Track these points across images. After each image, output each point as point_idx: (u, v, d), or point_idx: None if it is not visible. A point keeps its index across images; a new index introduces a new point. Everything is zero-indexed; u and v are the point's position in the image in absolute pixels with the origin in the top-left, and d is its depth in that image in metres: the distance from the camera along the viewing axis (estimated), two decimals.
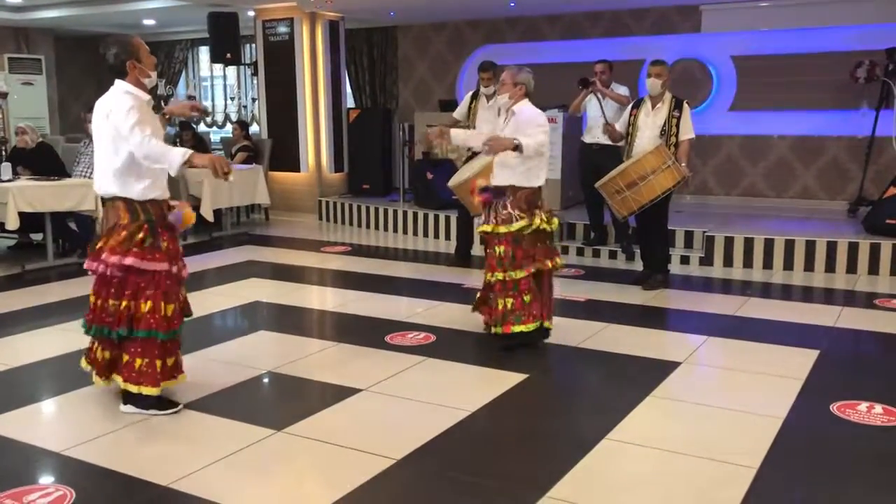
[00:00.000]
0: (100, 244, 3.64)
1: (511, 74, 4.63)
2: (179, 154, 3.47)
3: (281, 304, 5.88)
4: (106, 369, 3.72)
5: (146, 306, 3.57)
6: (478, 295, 4.86)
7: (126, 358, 3.61)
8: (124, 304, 3.57)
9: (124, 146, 3.48)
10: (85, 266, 3.72)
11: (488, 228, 4.58)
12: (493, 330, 4.67)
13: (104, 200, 3.68)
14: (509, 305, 4.49)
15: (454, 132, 4.83)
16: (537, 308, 4.52)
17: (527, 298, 4.50)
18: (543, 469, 3.14)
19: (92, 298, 3.72)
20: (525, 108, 4.63)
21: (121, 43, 3.59)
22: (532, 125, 4.53)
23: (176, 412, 3.65)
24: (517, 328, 4.50)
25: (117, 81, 3.61)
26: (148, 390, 3.59)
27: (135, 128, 3.43)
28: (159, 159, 3.49)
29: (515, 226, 4.49)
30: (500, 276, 4.50)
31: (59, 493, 2.89)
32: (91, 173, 7.56)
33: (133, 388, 3.60)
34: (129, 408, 3.65)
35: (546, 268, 4.63)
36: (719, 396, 3.90)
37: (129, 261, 3.54)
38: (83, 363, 3.83)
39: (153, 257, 3.59)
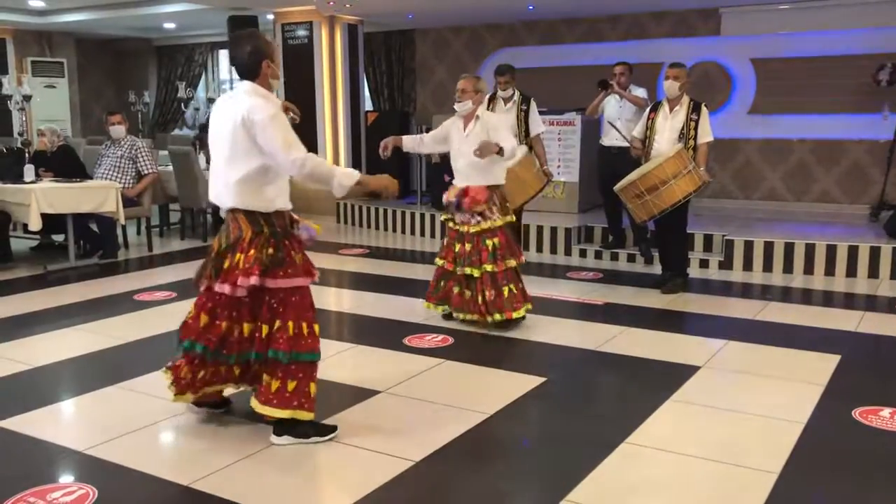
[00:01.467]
0: (227, 264, 3.26)
1: (472, 83, 4.98)
2: (349, 176, 3.24)
3: None
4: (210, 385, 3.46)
5: (297, 327, 3.26)
6: (437, 287, 5.22)
7: (276, 383, 3.25)
8: (278, 324, 3.24)
9: (259, 158, 3.17)
10: (217, 289, 3.28)
11: (486, 225, 4.96)
12: (489, 319, 4.96)
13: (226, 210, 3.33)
14: (506, 293, 4.94)
15: (405, 139, 5.28)
16: (521, 294, 5.07)
17: (520, 285, 5.06)
18: (562, 472, 3.13)
19: (205, 318, 3.34)
20: (486, 113, 5.14)
21: (255, 40, 3.25)
22: (503, 129, 5.00)
23: (334, 437, 3.38)
24: (517, 314, 5.00)
25: (246, 83, 3.25)
26: (303, 415, 3.29)
27: (291, 147, 3.14)
28: (324, 180, 3.24)
29: (505, 220, 5.01)
30: (488, 267, 4.91)
31: (81, 492, 2.92)
32: (112, 175, 7.66)
33: (286, 414, 3.26)
34: (286, 439, 3.31)
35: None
36: (739, 401, 3.87)
37: (271, 283, 3.22)
38: (168, 380, 3.47)
39: (293, 273, 3.28)
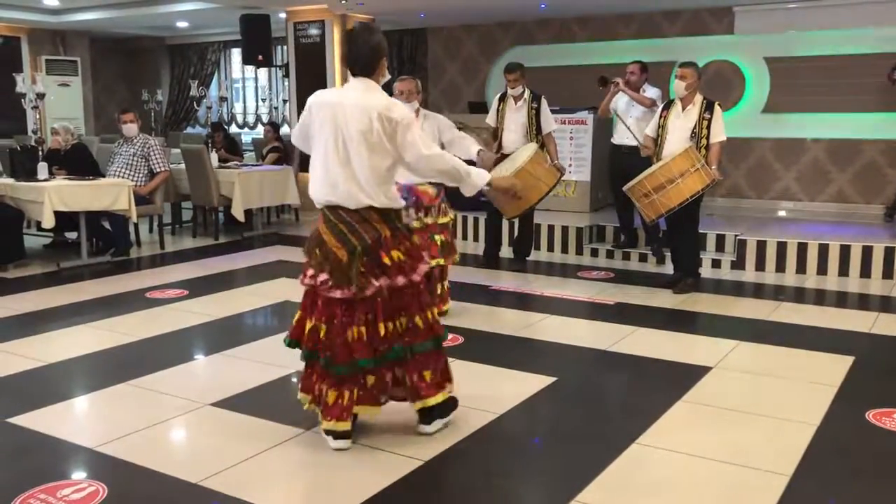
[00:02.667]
0: (387, 261, 3.16)
1: (414, 84, 4.98)
2: (482, 177, 3.31)
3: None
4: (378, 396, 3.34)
5: (433, 313, 3.32)
6: None
7: (428, 373, 3.29)
8: (417, 318, 3.24)
9: (392, 155, 3.16)
10: (369, 293, 3.13)
11: (445, 220, 5.08)
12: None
13: (348, 211, 3.19)
14: (444, 288, 5.17)
15: None
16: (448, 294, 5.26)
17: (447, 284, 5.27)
18: (572, 473, 3.12)
19: (363, 330, 3.16)
20: (430, 112, 5.13)
21: (378, 36, 3.19)
22: (453, 126, 5.06)
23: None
24: (445, 307, 5.18)
25: (364, 79, 3.18)
26: (443, 396, 3.35)
27: (432, 145, 3.25)
28: (458, 178, 3.27)
29: (449, 218, 5.17)
30: (441, 261, 5.01)
31: (91, 489, 2.93)
32: (125, 173, 7.70)
33: (437, 399, 3.33)
34: (437, 423, 3.37)
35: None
36: (751, 402, 3.84)
37: (416, 277, 3.22)
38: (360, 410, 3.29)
39: (423, 260, 3.30)
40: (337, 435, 3.24)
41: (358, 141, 3.11)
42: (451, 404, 3.45)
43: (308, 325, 3.25)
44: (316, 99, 3.26)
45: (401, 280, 3.17)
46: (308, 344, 3.26)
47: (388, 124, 3.11)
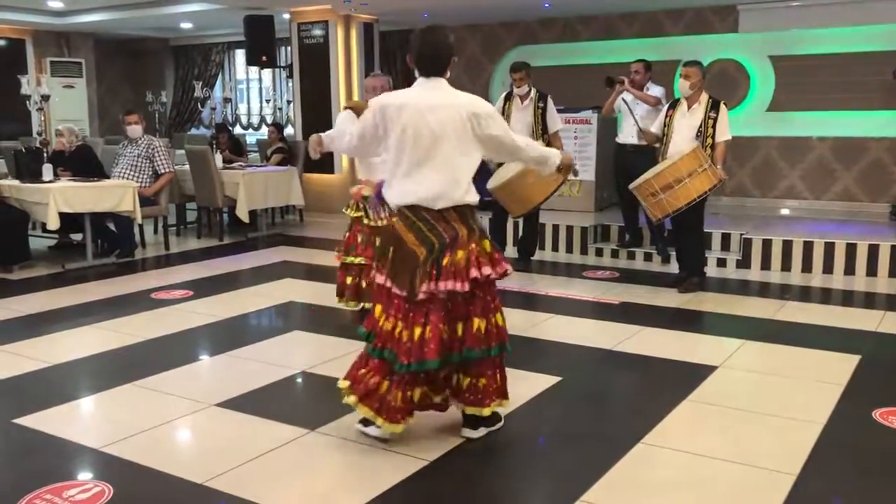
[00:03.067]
0: (445, 261, 3.13)
1: (386, 80, 5.13)
2: (557, 156, 3.52)
3: (315, 304, 5.91)
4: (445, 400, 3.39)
5: (498, 319, 3.29)
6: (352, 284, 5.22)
7: (484, 380, 3.26)
8: (494, 319, 3.26)
9: (480, 152, 3.21)
10: (457, 288, 3.11)
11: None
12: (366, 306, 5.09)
13: (429, 210, 3.16)
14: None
15: (326, 136, 4.76)
16: None
17: None
18: (577, 472, 3.11)
19: (442, 329, 3.14)
20: None
21: (449, 35, 3.21)
22: None
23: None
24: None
25: (439, 79, 3.20)
26: (504, 404, 3.37)
27: (516, 138, 3.35)
28: (543, 160, 3.50)
29: None
30: None
31: (97, 489, 2.93)
32: (130, 174, 7.71)
33: (489, 410, 3.31)
34: (483, 430, 3.36)
35: None
36: (757, 401, 3.83)
37: (494, 274, 3.23)
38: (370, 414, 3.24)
39: (487, 265, 3.24)
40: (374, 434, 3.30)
41: (446, 140, 3.12)
42: (498, 417, 3.44)
43: (382, 322, 3.22)
44: (389, 101, 3.23)
45: (449, 284, 3.11)
46: (379, 340, 3.21)
47: (476, 120, 3.14)
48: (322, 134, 4.34)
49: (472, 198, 3.21)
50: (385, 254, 3.25)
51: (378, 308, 3.28)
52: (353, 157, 3.38)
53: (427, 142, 3.12)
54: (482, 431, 3.36)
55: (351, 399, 3.26)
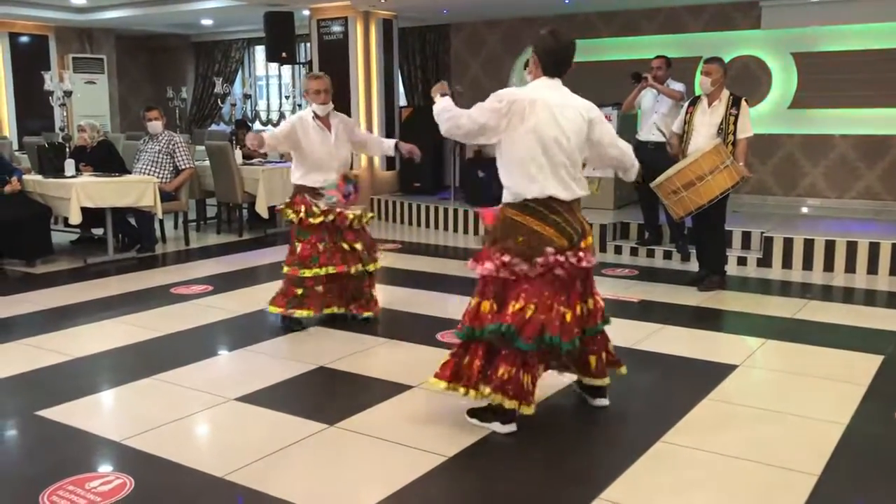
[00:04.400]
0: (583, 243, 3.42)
1: (328, 81, 4.99)
2: (636, 166, 3.71)
3: None
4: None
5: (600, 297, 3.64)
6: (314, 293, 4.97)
7: (595, 358, 3.60)
8: (594, 300, 3.58)
9: (585, 152, 3.48)
10: (592, 264, 3.48)
11: (364, 218, 5.13)
12: (367, 314, 5.13)
13: (561, 203, 3.35)
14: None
15: (270, 136, 4.94)
16: None
17: None
18: (596, 470, 3.10)
19: (567, 311, 3.34)
20: (336, 112, 5.14)
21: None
22: (357, 124, 5.28)
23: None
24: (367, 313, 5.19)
25: (559, 79, 3.41)
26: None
27: (619, 142, 3.62)
28: (632, 166, 3.69)
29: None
30: (379, 265, 5.24)
31: (118, 482, 2.96)
32: (150, 170, 7.76)
33: (608, 380, 3.66)
34: (605, 399, 3.68)
35: None
36: (778, 401, 3.80)
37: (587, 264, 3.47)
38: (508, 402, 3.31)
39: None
40: (507, 420, 3.36)
41: (574, 137, 3.35)
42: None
43: (514, 307, 3.27)
44: (520, 96, 3.33)
45: (592, 260, 3.47)
46: (526, 330, 3.24)
47: (591, 125, 3.42)
48: (265, 134, 4.78)
49: (586, 191, 3.48)
50: (507, 243, 3.33)
51: (486, 303, 3.35)
52: (458, 139, 3.47)
53: (561, 139, 3.30)
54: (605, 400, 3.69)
55: (485, 391, 3.33)
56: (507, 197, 3.42)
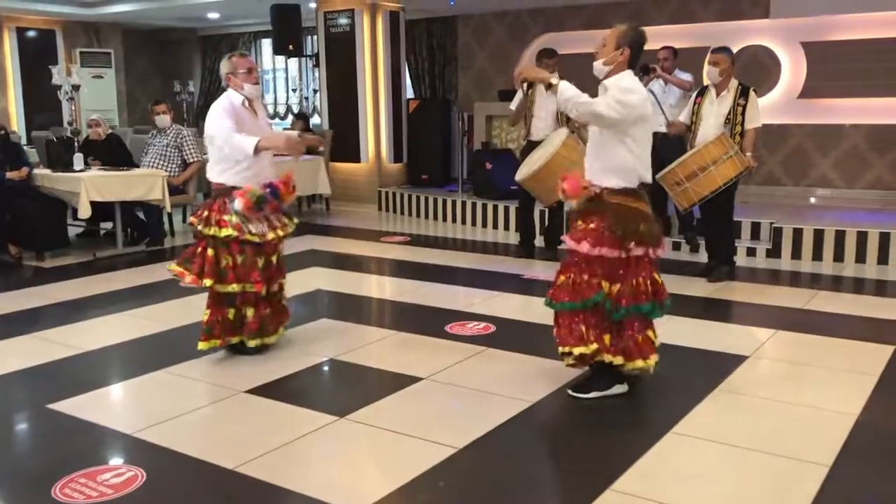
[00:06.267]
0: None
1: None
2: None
3: (342, 292, 5.93)
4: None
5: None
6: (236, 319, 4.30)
7: (640, 335, 3.72)
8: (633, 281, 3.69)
9: None
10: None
11: (290, 229, 4.37)
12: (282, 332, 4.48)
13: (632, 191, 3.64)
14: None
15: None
16: None
17: None
18: (607, 461, 3.10)
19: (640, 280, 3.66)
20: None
21: None
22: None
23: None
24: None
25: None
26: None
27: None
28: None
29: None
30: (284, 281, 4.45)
31: (130, 474, 2.97)
32: (158, 164, 7.77)
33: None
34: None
35: None
36: (788, 391, 3.79)
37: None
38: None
39: None
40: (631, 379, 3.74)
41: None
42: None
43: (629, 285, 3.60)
44: (643, 90, 3.66)
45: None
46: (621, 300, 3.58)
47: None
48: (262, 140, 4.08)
49: None
50: (636, 229, 3.56)
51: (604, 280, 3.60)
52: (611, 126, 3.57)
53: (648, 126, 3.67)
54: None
55: (618, 359, 3.64)
56: (622, 182, 3.59)
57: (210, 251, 4.11)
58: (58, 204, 7.11)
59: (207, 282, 4.10)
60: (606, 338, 3.62)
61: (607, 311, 3.59)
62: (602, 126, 3.56)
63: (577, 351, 3.58)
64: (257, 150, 4.06)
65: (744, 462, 3.06)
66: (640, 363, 3.64)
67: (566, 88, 3.54)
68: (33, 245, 6.99)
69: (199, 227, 4.14)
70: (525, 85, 6.72)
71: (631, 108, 3.50)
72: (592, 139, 3.70)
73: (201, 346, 4.17)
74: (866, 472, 3.00)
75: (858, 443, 3.20)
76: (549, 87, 3.58)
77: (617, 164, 3.58)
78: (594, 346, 3.58)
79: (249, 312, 4.22)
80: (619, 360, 3.64)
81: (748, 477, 2.95)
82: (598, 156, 3.64)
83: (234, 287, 4.11)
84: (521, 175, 6.05)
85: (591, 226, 3.58)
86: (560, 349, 3.65)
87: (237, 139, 4.10)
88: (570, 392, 3.72)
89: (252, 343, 4.26)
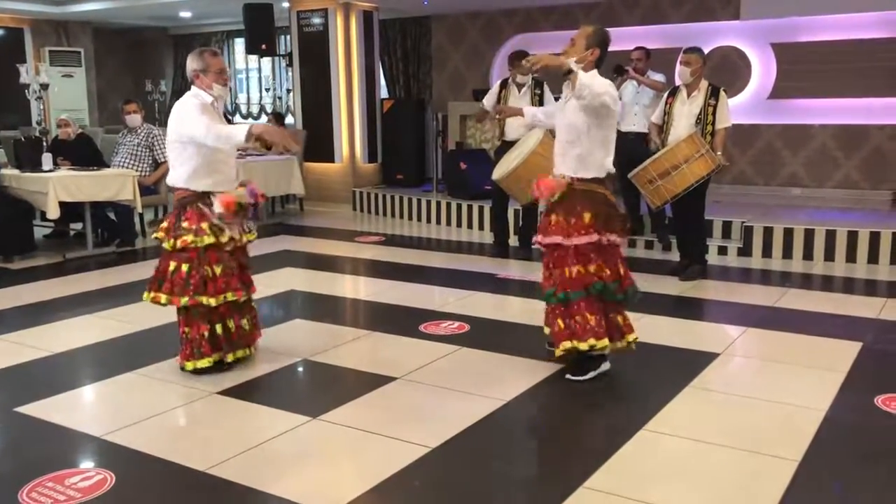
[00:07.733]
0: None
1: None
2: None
3: (315, 293, 5.90)
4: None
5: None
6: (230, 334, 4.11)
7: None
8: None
9: None
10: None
11: (252, 236, 4.25)
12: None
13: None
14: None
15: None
16: None
17: None
18: (579, 459, 3.11)
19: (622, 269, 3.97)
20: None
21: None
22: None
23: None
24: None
25: None
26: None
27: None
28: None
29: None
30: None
31: (99, 477, 2.93)
32: (129, 163, 7.69)
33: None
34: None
35: None
36: (758, 388, 3.83)
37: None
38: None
39: None
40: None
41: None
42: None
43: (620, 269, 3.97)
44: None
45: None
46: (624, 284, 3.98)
47: None
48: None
49: None
50: (602, 216, 3.84)
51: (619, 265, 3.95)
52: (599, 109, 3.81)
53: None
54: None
55: (620, 344, 3.98)
56: (591, 173, 3.87)
57: (185, 266, 3.92)
58: (25, 207, 6.98)
59: (184, 300, 3.92)
60: (603, 322, 3.89)
61: (611, 294, 3.88)
62: (599, 114, 3.79)
63: (588, 345, 3.81)
64: (248, 138, 3.80)
65: (715, 458, 3.09)
66: (630, 337, 4.02)
67: (584, 75, 3.70)
68: (0, 248, 6.87)
69: (171, 243, 3.95)
70: (497, 85, 6.75)
71: (617, 102, 3.88)
72: (562, 133, 3.93)
73: (188, 366, 3.96)
74: (835, 467, 3.04)
75: (827, 439, 3.25)
76: (569, 73, 3.71)
77: (588, 156, 3.86)
78: (605, 340, 3.84)
79: (230, 323, 4.05)
80: (603, 344, 3.85)
81: (719, 472, 2.98)
82: (569, 149, 3.90)
83: (217, 299, 3.92)
84: (497, 174, 6.06)
85: (569, 219, 3.84)
86: (571, 344, 3.83)
87: (224, 129, 3.87)
88: (567, 376, 3.91)
89: (230, 358, 4.08)
